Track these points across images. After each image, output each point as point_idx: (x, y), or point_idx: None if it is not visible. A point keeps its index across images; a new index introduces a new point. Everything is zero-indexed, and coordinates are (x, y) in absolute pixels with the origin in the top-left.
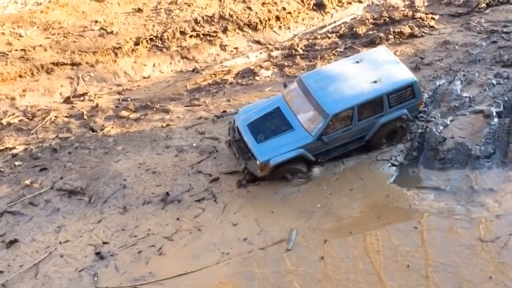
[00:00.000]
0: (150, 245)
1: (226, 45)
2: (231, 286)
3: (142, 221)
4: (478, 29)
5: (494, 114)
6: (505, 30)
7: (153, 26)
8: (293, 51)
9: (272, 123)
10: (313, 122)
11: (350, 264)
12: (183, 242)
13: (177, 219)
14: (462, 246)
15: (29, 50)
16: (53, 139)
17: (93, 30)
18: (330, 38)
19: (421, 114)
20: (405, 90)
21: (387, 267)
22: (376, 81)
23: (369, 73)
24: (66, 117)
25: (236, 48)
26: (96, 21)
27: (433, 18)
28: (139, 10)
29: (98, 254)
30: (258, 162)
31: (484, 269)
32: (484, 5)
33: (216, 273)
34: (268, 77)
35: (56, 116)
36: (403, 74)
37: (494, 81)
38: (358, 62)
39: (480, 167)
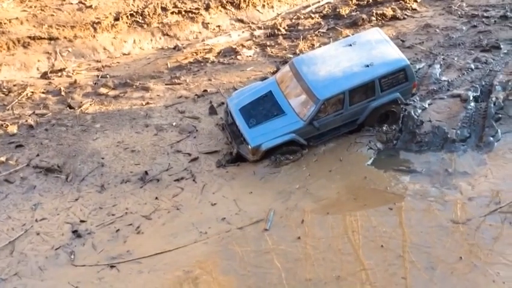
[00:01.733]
0: (128, 224)
1: (208, 23)
2: (210, 264)
3: (120, 199)
4: (459, 12)
5: (471, 98)
6: (485, 14)
7: (134, 1)
8: (276, 30)
9: (264, 107)
10: (304, 107)
11: (327, 243)
12: (161, 221)
13: (156, 198)
14: (436, 227)
15: (4, 23)
16: (29, 115)
17: (72, 3)
18: (313, 18)
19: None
20: (398, 74)
21: (364, 247)
22: (368, 66)
23: (361, 56)
24: (43, 93)
25: (218, 26)
26: None
27: (416, 1)
28: None
29: (74, 232)
30: (249, 147)
31: (455, 249)
32: None
33: (193, 252)
34: (250, 56)
35: (32, 92)
36: (395, 58)
37: (472, 66)
38: (351, 45)
39: (456, 151)
